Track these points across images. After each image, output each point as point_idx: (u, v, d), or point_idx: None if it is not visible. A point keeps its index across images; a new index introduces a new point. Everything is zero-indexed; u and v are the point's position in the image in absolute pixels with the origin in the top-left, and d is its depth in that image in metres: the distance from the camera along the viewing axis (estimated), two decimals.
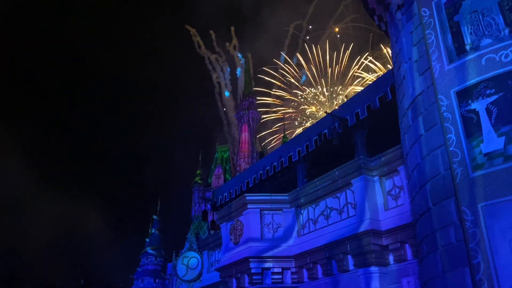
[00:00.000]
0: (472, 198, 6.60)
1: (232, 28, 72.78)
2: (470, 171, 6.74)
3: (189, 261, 16.94)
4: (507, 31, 6.99)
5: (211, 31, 74.43)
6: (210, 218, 17.87)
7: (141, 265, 44.03)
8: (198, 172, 60.27)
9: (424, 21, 8.08)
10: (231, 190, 15.95)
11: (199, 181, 59.08)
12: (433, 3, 8.03)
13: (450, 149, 7.10)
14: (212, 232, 18.96)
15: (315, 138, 12.62)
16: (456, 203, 6.80)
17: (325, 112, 12.33)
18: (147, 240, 46.57)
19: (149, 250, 45.24)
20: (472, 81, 7.10)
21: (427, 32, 7.99)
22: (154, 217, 54.30)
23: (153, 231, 48.75)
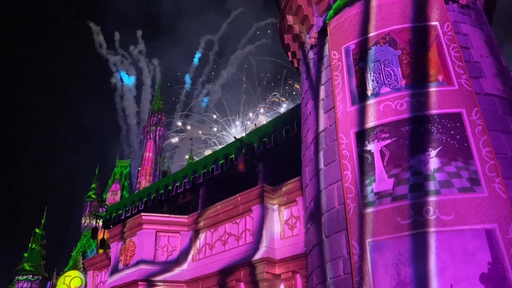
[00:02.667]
0: (361, 233, 6.99)
1: (139, 32, 71.05)
2: (361, 208, 7.15)
3: (71, 280, 15.63)
4: (403, 83, 7.70)
5: (116, 32, 71.76)
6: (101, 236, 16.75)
7: (15, 282, 39.77)
8: (93, 185, 56.84)
9: (333, 63, 8.60)
10: (127, 208, 15.19)
11: (92, 196, 55.66)
12: (342, 47, 8.61)
13: (346, 185, 7.49)
14: (101, 251, 17.74)
15: (221, 161, 12.61)
16: (347, 237, 7.15)
17: (234, 137, 12.42)
18: (25, 255, 42.35)
19: (25, 266, 41.10)
20: (370, 124, 7.64)
21: (334, 73, 8.51)
22: (37, 230, 49.63)
23: (33, 246, 44.49)
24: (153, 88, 65.07)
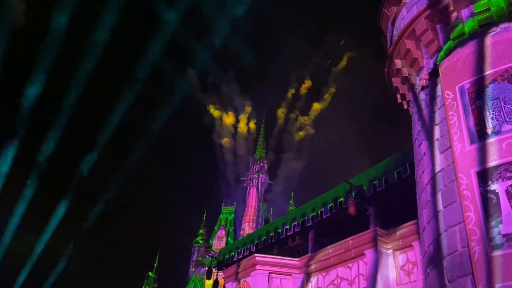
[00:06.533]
0: (489, 278, 6.62)
1: (232, 73, 73.45)
2: (488, 251, 6.81)
3: None
4: None
5: (209, 75, 74.71)
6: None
7: None
8: (200, 231, 59.32)
9: (447, 103, 8.54)
10: (239, 250, 15.83)
11: (200, 241, 58.01)
12: (456, 87, 8.54)
13: (469, 226, 7.21)
14: None
15: (330, 205, 12.75)
16: (473, 281, 6.80)
17: (343, 180, 12.55)
18: None
19: None
20: (492, 163, 7.37)
21: (450, 113, 8.42)
22: (150, 273, 52.82)
23: None
24: (248, 126, 67.13)
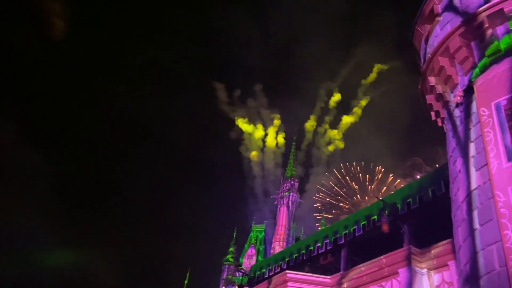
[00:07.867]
0: None
1: (260, 86, 72.74)
2: None
3: None
4: None
5: (237, 89, 74.28)
6: None
7: None
8: (230, 249, 59.02)
9: (483, 120, 8.46)
10: (271, 267, 15.83)
11: (230, 259, 57.74)
12: (492, 104, 8.46)
13: (507, 245, 7.06)
14: None
15: (363, 222, 12.66)
16: None
17: (377, 197, 12.46)
18: None
19: None
20: None
21: (485, 130, 8.33)
22: None
23: None
24: (277, 139, 66.65)
